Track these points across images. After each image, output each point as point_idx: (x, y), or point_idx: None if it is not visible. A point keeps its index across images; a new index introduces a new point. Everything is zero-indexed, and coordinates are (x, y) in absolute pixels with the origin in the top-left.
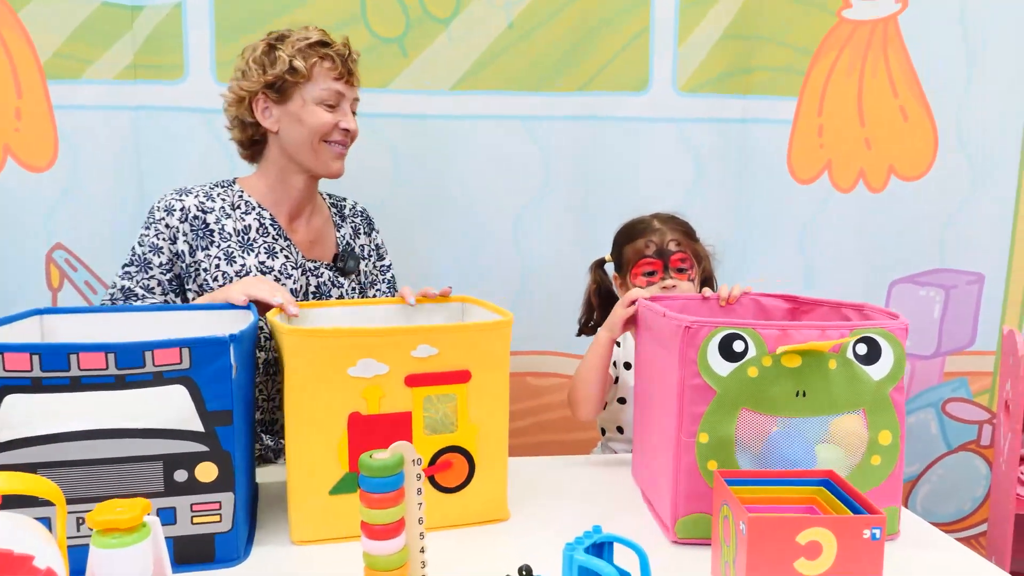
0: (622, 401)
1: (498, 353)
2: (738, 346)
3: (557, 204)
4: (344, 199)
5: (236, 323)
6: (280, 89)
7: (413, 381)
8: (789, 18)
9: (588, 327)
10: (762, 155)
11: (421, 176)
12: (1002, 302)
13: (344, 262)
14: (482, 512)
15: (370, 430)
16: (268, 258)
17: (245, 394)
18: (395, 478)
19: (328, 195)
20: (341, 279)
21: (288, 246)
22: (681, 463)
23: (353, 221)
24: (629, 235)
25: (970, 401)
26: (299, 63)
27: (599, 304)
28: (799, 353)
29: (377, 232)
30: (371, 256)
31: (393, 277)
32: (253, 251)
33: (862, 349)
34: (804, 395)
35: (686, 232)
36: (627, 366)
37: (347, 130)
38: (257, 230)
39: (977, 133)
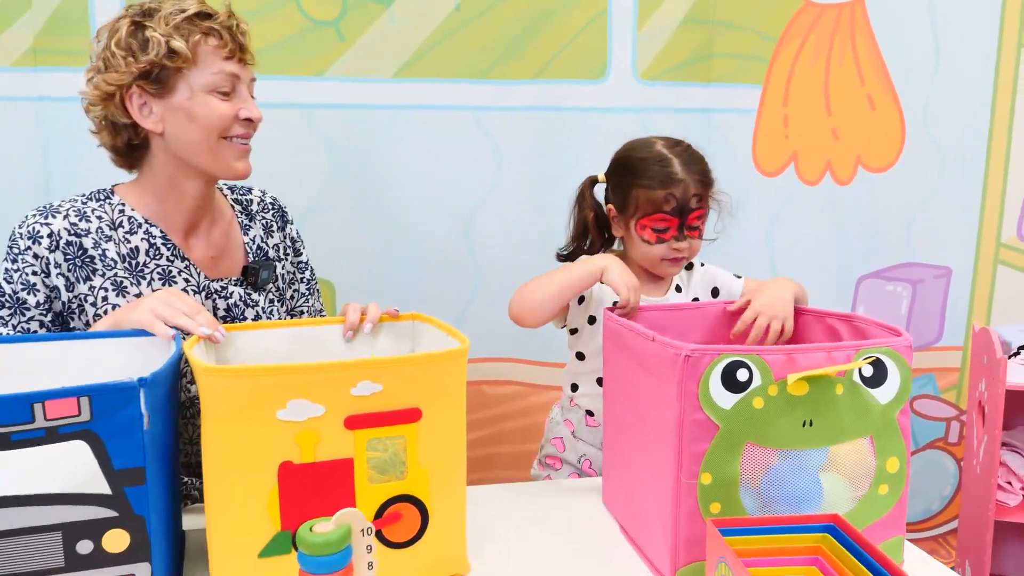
0: (574, 332)
1: (452, 387)
2: (742, 375)
3: (511, 201)
4: (249, 191)
5: (150, 355)
6: (159, 79)
7: (354, 423)
8: (753, 1)
9: (575, 255)
10: (726, 146)
11: (361, 173)
12: (969, 296)
13: (256, 275)
14: (438, 568)
15: (305, 481)
16: (164, 285)
17: (162, 445)
18: (341, 555)
19: (229, 188)
20: (255, 296)
21: (187, 267)
22: (681, 508)
23: (263, 217)
24: (643, 174)
25: (937, 398)
26: (178, 43)
27: (597, 234)
28: (806, 379)
29: (291, 224)
30: (287, 254)
31: (313, 275)
32: (145, 278)
33: (868, 371)
34: (811, 424)
35: (707, 180)
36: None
37: (249, 119)
38: (147, 252)
39: (945, 121)
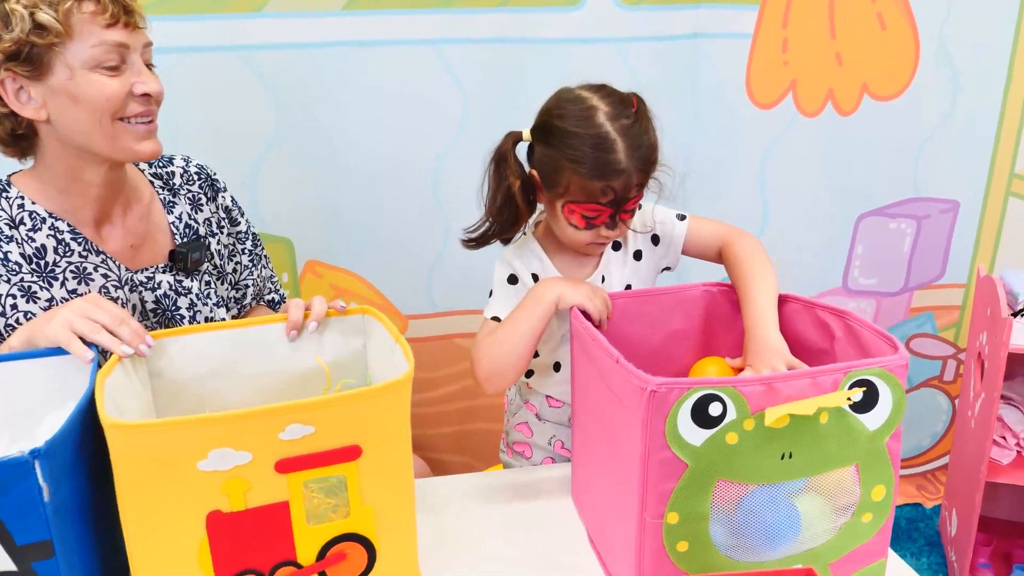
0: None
1: (394, 421)
2: (715, 409)
3: (480, 145)
4: (170, 161)
5: (70, 378)
6: (30, 59)
7: (286, 467)
8: None
9: (489, 237)
10: (717, 76)
11: (311, 120)
12: (976, 231)
13: (185, 259)
14: None
15: (237, 530)
16: (80, 284)
17: (77, 509)
18: None
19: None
20: (187, 282)
21: (103, 261)
22: (646, 547)
23: (189, 191)
24: (578, 158)
25: (936, 336)
26: (45, 15)
27: (525, 206)
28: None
29: (224, 192)
30: (221, 227)
31: (256, 243)
32: (57, 279)
33: (857, 396)
34: (790, 456)
35: (651, 163)
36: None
37: (147, 94)
38: (55, 250)
39: (963, 42)
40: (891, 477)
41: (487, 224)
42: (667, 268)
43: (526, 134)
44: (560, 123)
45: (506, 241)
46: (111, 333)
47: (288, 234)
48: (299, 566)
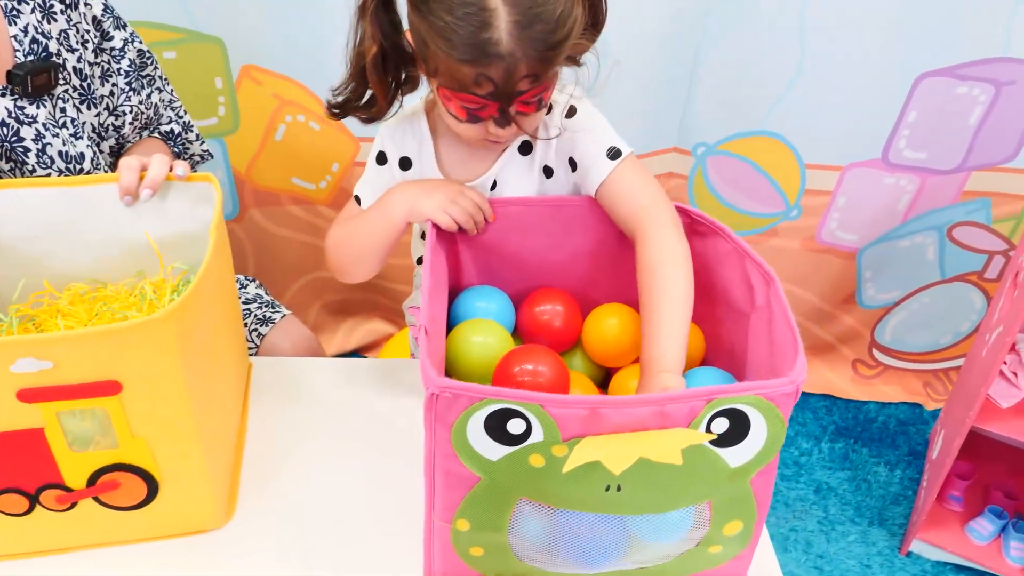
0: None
1: (158, 359)
2: (515, 426)
3: None
4: None
5: None
6: None
7: (30, 396)
8: None
9: (349, 111)
10: None
11: None
12: None
13: (24, 82)
14: (181, 525)
15: None
16: None
17: None
18: None
19: None
20: (31, 109)
21: None
22: (435, 543)
23: None
24: (442, 29)
25: (986, 227)
26: None
27: (382, 83)
28: None
29: None
30: (85, 42)
31: (141, 60)
32: None
33: (721, 426)
34: (618, 489)
35: (553, 49)
36: None
37: None
38: None
39: None
40: (753, 515)
41: (347, 93)
42: None
43: None
44: None
45: (367, 120)
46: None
47: (217, 32)
48: (68, 489)
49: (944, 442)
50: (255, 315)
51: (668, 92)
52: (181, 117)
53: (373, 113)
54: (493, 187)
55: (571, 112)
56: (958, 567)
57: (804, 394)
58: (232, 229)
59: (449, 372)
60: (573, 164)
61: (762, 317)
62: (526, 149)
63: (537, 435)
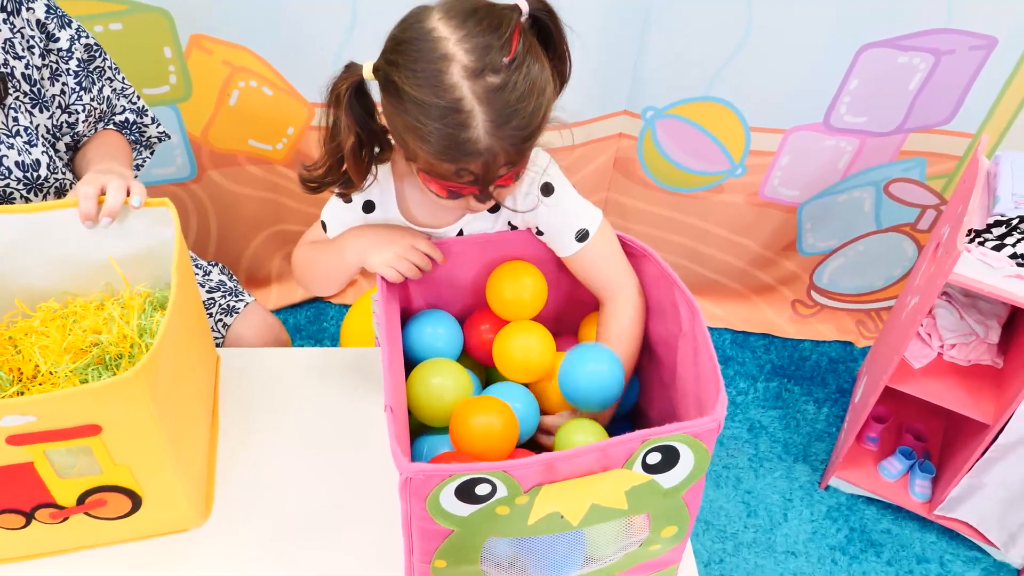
0: None
1: (135, 406)
2: (483, 489)
3: None
4: None
5: None
6: None
7: (18, 440)
8: None
9: (327, 185)
10: None
11: None
12: (1009, 74)
13: None
14: (165, 526)
15: None
16: None
17: None
18: None
19: None
20: None
21: None
22: (415, 569)
23: None
24: (422, 133)
25: (921, 184)
26: None
27: (362, 166)
28: None
29: (34, 1)
30: (32, 47)
31: (90, 59)
32: None
33: (654, 458)
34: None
35: (526, 140)
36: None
37: None
38: None
39: None
40: (686, 520)
41: (323, 175)
42: None
43: (367, 71)
44: (399, 77)
45: (343, 194)
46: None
47: (164, 4)
48: (60, 507)
49: (864, 393)
50: (220, 305)
51: (618, 57)
52: (134, 104)
53: (350, 189)
54: (459, 234)
55: (547, 190)
56: (869, 500)
57: (745, 334)
58: (192, 190)
59: (412, 409)
60: (539, 232)
61: (688, 343)
62: (495, 207)
63: (502, 492)
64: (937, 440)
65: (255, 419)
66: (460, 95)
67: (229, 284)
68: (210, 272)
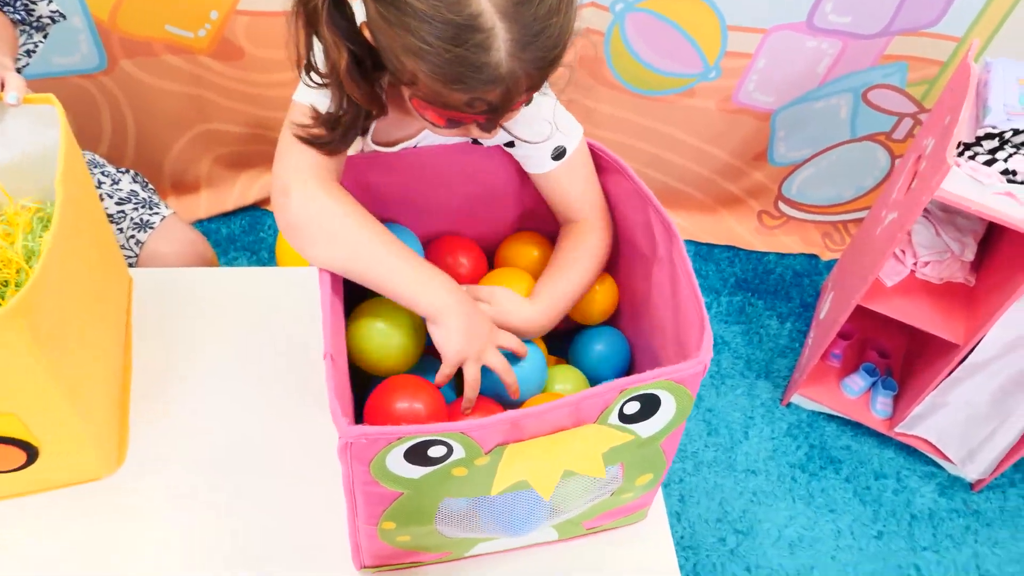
0: None
1: (14, 351)
2: (437, 451)
3: None
4: None
5: None
6: None
7: None
8: None
9: (356, 126)
10: None
11: None
12: None
13: None
14: (70, 477)
15: None
16: None
17: None
18: None
19: None
20: None
21: None
22: (361, 537)
23: None
24: (429, 55)
25: (900, 90)
26: None
27: (368, 83)
28: None
29: None
30: None
31: None
32: None
33: (632, 408)
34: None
35: (552, 60)
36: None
37: None
38: None
39: None
40: (661, 467)
41: (338, 114)
42: None
43: None
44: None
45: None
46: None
47: None
48: None
49: (831, 310)
50: (131, 219)
51: None
52: None
53: (376, 117)
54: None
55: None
56: (830, 416)
57: (709, 246)
58: (102, 83)
59: (352, 356)
60: (511, 143)
61: (664, 271)
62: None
63: (459, 453)
64: (899, 357)
65: (175, 351)
66: (478, 9)
67: (143, 194)
68: (119, 180)
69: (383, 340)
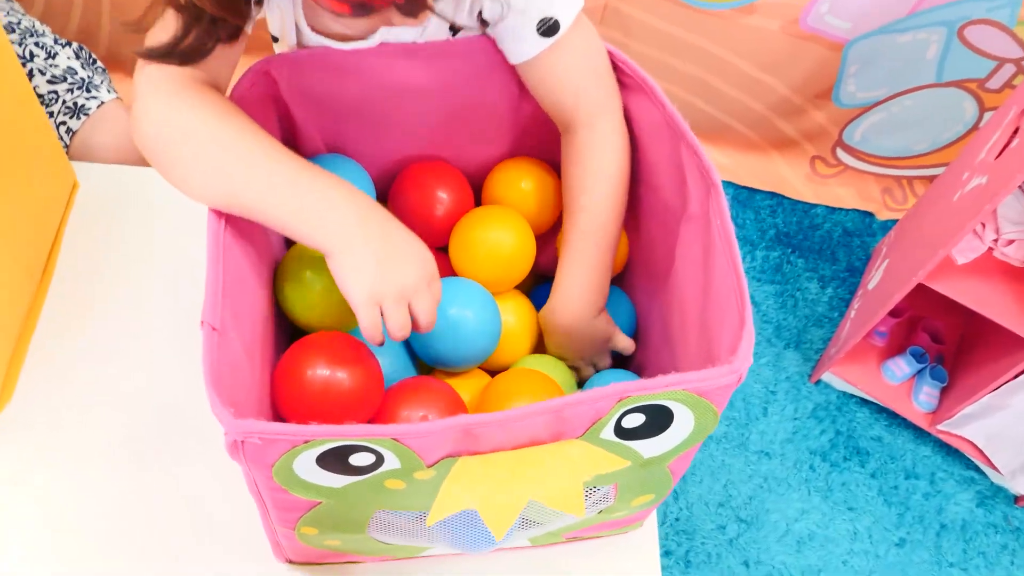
0: None
1: None
2: (361, 459)
3: None
4: None
5: None
6: None
7: None
8: None
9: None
10: None
11: None
12: None
13: None
14: None
15: None
16: None
17: None
18: None
19: None
20: None
21: None
22: (279, 538)
23: None
24: None
25: (1006, 29)
26: None
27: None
28: None
29: None
30: None
31: None
32: None
33: (634, 421)
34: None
35: None
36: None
37: None
38: None
39: None
40: (667, 487)
41: (182, 27)
42: None
43: None
44: None
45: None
46: None
47: None
48: None
49: (884, 282)
50: (63, 102)
51: None
52: None
53: (237, 34)
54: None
55: None
56: (863, 401)
57: (750, 190)
58: None
59: (288, 310)
60: (484, 21)
61: (695, 232)
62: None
63: (392, 463)
64: (954, 343)
65: (100, 273)
66: None
67: (81, 73)
68: (56, 54)
69: (318, 293)
